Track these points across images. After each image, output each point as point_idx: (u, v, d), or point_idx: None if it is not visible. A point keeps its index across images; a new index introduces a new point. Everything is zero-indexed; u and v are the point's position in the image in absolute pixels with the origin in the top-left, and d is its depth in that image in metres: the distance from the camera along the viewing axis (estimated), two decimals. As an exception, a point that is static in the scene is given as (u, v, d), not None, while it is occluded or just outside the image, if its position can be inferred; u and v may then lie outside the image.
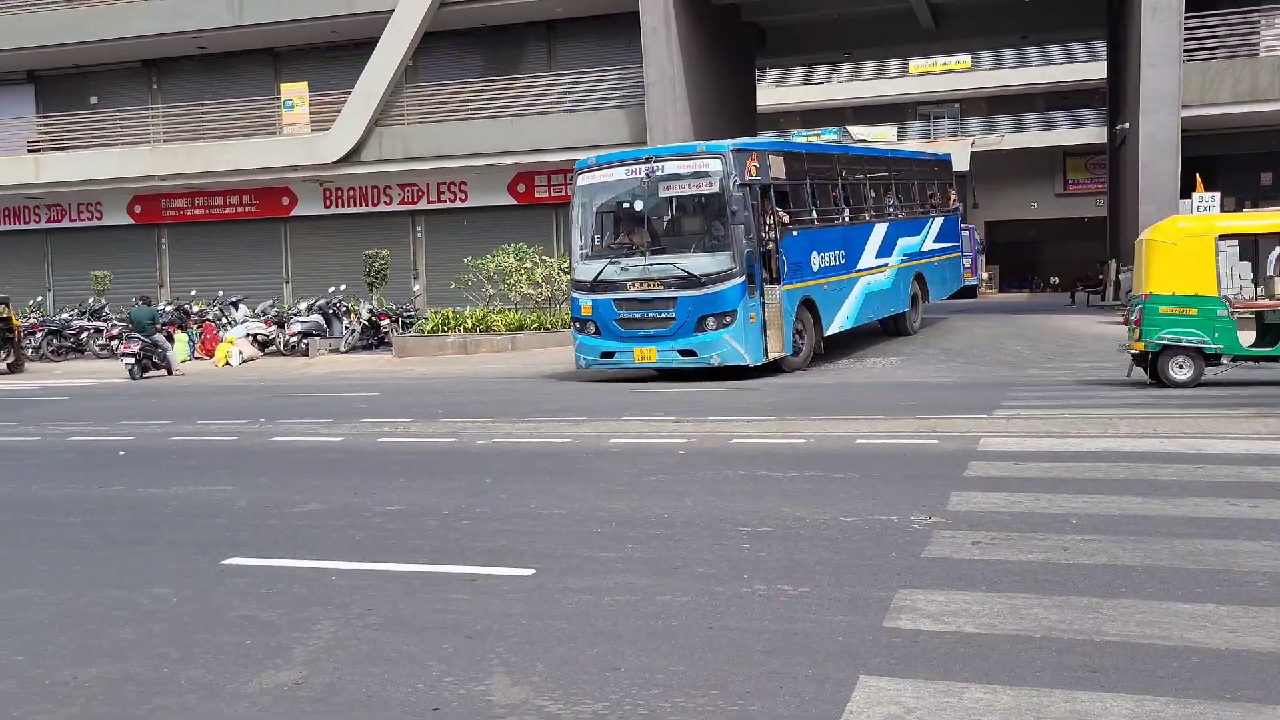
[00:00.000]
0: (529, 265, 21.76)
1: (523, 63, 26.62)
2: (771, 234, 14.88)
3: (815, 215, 16.49)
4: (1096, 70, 36.15)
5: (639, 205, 14.89)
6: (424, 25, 24.53)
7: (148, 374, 19.70)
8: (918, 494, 6.64)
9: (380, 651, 4.24)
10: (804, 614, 4.47)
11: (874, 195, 18.79)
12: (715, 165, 14.28)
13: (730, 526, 6.02)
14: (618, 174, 15.06)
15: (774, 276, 14.88)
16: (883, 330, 19.52)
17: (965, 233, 37.64)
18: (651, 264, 14.65)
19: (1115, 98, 27.59)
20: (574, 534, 6.04)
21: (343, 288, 24.84)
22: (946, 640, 4.11)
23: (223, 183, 27.29)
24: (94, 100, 29.24)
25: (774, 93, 45.26)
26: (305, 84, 26.75)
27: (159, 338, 20.29)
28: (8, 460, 10.08)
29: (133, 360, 19.47)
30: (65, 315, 26.81)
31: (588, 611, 4.62)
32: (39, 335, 24.61)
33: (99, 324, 24.96)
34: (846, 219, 17.43)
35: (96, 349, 24.26)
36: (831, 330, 16.44)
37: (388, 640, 4.36)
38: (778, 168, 15.46)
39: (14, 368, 22.41)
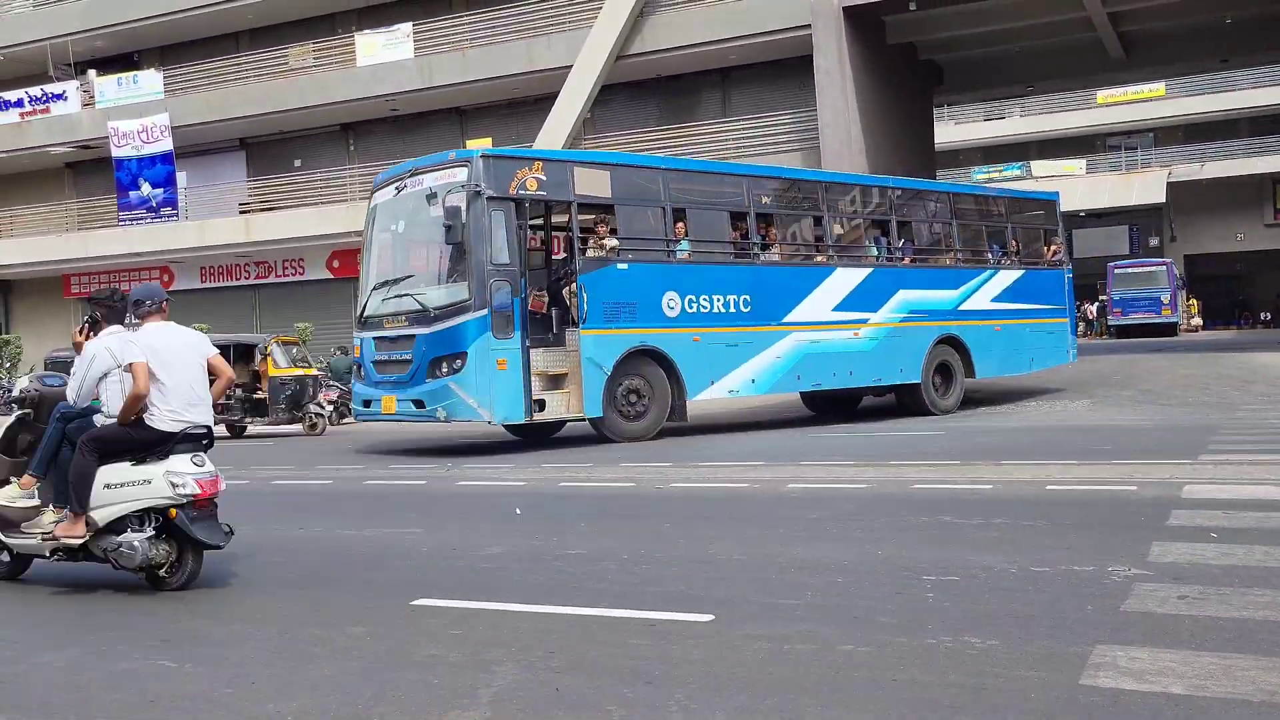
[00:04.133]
0: None
1: (697, 110, 26.99)
2: (573, 265, 12.84)
3: (681, 248, 13.81)
4: (1307, 91, 33.94)
5: (401, 225, 13.15)
6: (601, 78, 25.22)
7: (344, 420, 20.77)
8: (1115, 544, 6.28)
9: (562, 695, 4.28)
10: (992, 669, 4.28)
11: (842, 231, 15.77)
12: (461, 175, 12.33)
13: (913, 575, 5.84)
14: (389, 191, 13.40)
15: (573, 317, 12.87)
16: (897, 405, 16.12)
17: (1161, 269, 35.74)
18: (402, 294, 12.77)
19: (1329, 120, 25.77)
20: (753, 580, 5.98)
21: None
22: (1152, 702, 3.85)
23: (413, 237, 28.61)
24: (297, 163, 31.29)
25: (953, 130, 44.36)
26: (489, 140, 27.79)
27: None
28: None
29: (331, 407, 20.61)
30: (271, 365, 28.53)
31: (767, 659, 4.55)
32: (247, 384, 26.30)
33: (301, 373, 26.46)
34: (765, 257, 14.48)
35: (298, 396, 25.70)
36: (707, 394, 13.60)
37: (569, 684, 4.40)
38: (593, 184, 13.22)
39: (225, 415, 23.97)
